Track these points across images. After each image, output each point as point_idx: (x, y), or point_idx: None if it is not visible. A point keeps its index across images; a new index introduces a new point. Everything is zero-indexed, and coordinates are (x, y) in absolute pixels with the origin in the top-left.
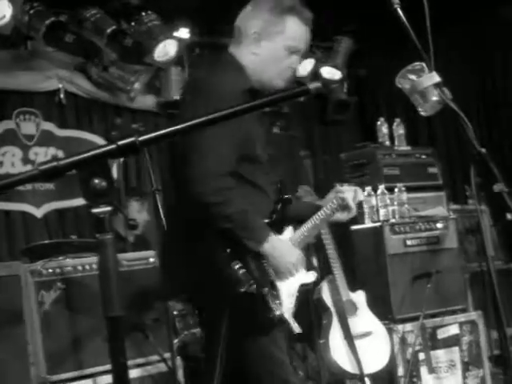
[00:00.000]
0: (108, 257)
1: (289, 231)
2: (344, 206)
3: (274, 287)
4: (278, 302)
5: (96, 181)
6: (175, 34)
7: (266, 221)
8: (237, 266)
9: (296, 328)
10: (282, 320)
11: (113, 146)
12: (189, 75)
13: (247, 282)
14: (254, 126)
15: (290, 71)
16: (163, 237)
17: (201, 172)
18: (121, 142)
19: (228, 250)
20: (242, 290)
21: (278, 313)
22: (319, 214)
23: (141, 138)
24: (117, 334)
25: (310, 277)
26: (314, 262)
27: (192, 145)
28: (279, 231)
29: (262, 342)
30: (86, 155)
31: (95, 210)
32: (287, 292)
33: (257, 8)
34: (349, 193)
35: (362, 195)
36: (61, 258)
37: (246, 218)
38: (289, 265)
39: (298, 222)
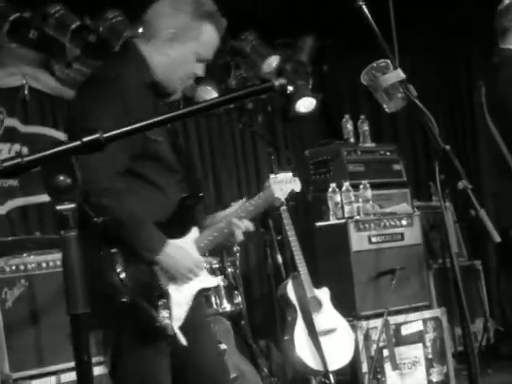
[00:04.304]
0: (72, 254)
1: (194, 232)
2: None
3: (165, 296)
4: (166, 311)
5: (60, 178)
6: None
7: (163, 221)
8: (118, 271)
9: (183, 340)
10: (166, 331)
11: (77, 143)
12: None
13: (124, 291)
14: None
15: (193, 77)
16: None
17: (90, 172)
18: (85, 139)
19: (114, 254)
20: (123, 299)
21: (163, 323)
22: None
23: (105, 135)
24: (80, 332)
25: (213, 281)
26: (279, 258)
27: None
28: (182, 232)
29: (140, 355)
30: (50, 151)
31: (59, 207)
32: (178, 301)
33: (175, 7)
34: (238, 226)
35: (298, 186)
36: (24, 254)
37: (140, 225)
38: (184, 270)
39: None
